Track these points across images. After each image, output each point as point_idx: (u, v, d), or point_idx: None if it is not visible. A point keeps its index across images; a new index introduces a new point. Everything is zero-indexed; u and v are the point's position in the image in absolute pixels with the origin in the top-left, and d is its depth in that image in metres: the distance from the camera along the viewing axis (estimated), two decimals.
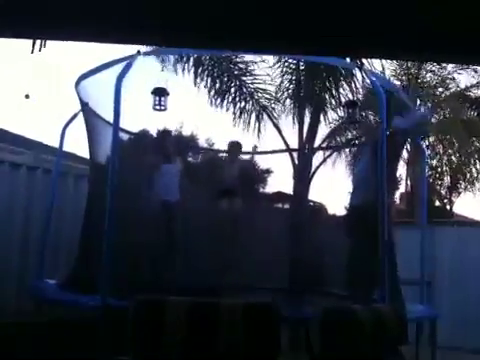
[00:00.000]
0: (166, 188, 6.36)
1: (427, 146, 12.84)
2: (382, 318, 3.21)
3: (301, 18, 1.89)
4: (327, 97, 7.89)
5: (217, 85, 7.98)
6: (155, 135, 8.01)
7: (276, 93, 8.06)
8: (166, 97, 5.91)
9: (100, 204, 4.92)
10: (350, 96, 7.71)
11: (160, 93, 5.91)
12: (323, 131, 8.08)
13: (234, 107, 8.11)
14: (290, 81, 7.93)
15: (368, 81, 6.64)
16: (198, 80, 7.82)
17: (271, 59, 7.72)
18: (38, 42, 2.28)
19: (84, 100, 6.09)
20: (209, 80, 7.89)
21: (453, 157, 13.43)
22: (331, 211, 8.22)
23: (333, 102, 7.90)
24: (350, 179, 7.70)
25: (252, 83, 8.03)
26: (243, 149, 7.60)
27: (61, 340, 4.03)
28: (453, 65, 11.53)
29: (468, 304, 7.59)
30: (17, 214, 6.43)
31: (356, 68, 6.80)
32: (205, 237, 6.84)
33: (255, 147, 7.55)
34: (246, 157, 7.79)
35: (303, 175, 7.62)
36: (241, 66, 7.94)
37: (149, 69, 6.57)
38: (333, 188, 7.88)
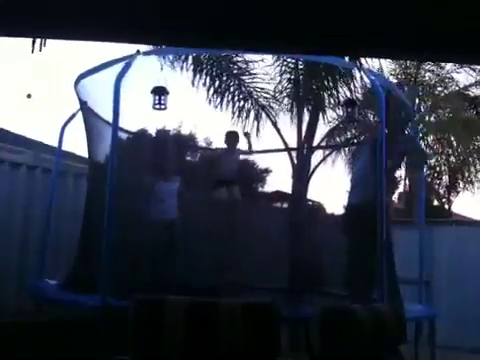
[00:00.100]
0: (163, 207, 6.39)
1: (426, 146, 12.84)
2: (381, 318, 3.21)
3: (301, 18, 1.89)
4: (326, 96, 7.89)
5: (216, 84, 7.98)
6: (154, 136, 8.00)
7: (275, 92, 8.06)
8: (166, 96, 5.91)
9: (99, 203, 4.92)
10: (349, 95, 7.72)
11: (160, 92, 5.90)
12: (322, 130, 8.09)
13: (233, 106, 8.11)
14: (289, 80, 7.93)
15: (367, 80, 6.65)
16: (197, 79, 7.82)
17: (270, 58, 7.73)
18: (38, 41, 2.28)
19: (83, 99, 6.09)
20: (208, 79, 7.89)
21: (452, 157, 13.43)
22: (330, 210, 8.23)
23: (332, 101, 7.90)
24: (349, 178, 7.69)
25: (251, 82, 8.03)
26: (240, 145, 7.57)
27: (61, 340, 4.03)
28: (452, 64, 11.54)
29: (467, 303, 7.60)
30: (17, 213, 6.43)
31: (355, 67, 6.81)
32: (204, 237, 6.84)
33: (247, 134, 7.45)
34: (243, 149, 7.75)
35: (302, 174, 7.63)
36: (240, 65, 7.94)
37: (148, 68, 6.56)
38: (332, 187, 7.88)
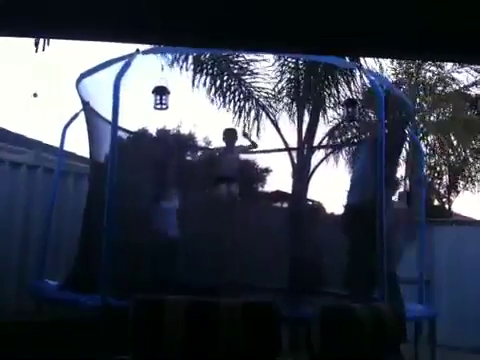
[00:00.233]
0: (165, 226, 6.39)
1: (426, 145, 12.84)
2: (381, 317, 3.21)
3: (301, 18, 1.89)
4: (326, 96, 7.89)
5: (216, 84, 7.98)
6: (154, 135, 7.99)
7: (275, 92, 8.06)
8: (167, 96, 5.90)
9: (100, 204, 4.92)
10: (349, 95, 7.72)
11: (161, 92, 5.89)
12: (322, 130, 8.09)
13: (234, 106, 8.11)
14: (289, 80, 7.93)
15: (367, 80, 6.65)
16: (197, 79, 7.82)
17: (270, 58, 7.73)
18: (41, 42, 2.28)
19: (85, 99, 6.09)
20: (208, 79, 7.89)
21: (452, 156, 13.43)
22: (330, 210, 8.23)
23: (332, 100, 7.91)
24: (349, 178, 7.69)
25: (252, 82, 8.03)
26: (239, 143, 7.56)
27: (61, 340, 4.03)
28: (452, 64, 11.54)
29: (467, 303, 7.60)
30: (17, 213, 6.43)
31: (355, 67, 6.82)
32: (204, 237, 6.83)
33: (246, 135, 7.45)
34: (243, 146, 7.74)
35: (302, 174, 7.63)
36: (240, 65, 7.93)
37: (148, 68, 6.56)
38: (332, 187, 7.88)
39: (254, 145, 7.31)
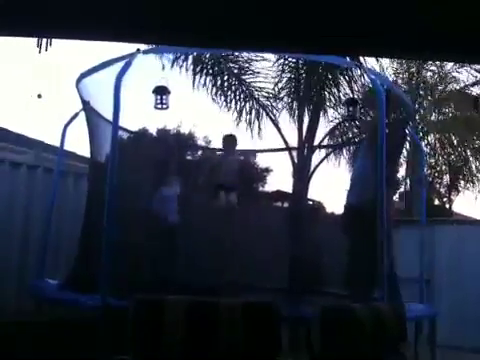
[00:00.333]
0: (165, 211, 6.39)
1: (426, 145, 12.84)
2: (381, 317, 3.21)
3: (301, 17, 1.89)
4: (327, 95, 7.89)
5: (217, 83, 7.98)
6: (155, 135, 7.99)
7: (275, 91, 8.06)
8: (167, 95, 5.90)
9: (100, 203, 4.92)
10: (349, 94, 7.72)
11: (161, 91, 5.89)
12: (323, 129, 8.09)
13: (235, 106, 8.11)
14: (289, 79, 7.93)
15: (367, 79, 6.65)
16: (197, 78, 7.82)
17: (271, 57, 7.73)
18: (43, 42, 2.28)
19: (85, 99, 6.09)
20: (209, 78, 7.89)
21: (452, 156, 13.43)
22: (330, 210, 8.23)
23: (332, 99, 7.90)
24: (349, 177, 7.69)
25: (252, 82, 8.03)
26: (240, 146, 7.55)
27: (61, 340, 4.03)
28: (452, 63, 11.54)
29: (467, 303, 7.59)
30: (18, 213, 6.43)
31: (356, 66, 6.82)
32: (205, 237, 6.83)
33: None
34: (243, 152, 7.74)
35: (302, 174, 7.62)
36: (241, 64, 7.93)
37: (149, 67, 6.56)
38: (332, 186, 7.88)
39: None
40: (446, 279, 7.89)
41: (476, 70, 11.96)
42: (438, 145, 13.32)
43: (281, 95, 8.04)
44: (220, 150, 7.99)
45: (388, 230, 5.13)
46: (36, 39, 2.52)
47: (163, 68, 6.63)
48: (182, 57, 7.62)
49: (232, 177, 7.05)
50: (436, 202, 16.28)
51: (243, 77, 8.00)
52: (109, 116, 5.34)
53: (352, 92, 7.80)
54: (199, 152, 10.60)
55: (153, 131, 9.01)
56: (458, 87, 12.59)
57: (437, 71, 12.42)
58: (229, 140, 7.23)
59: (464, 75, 12.49)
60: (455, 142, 12.97)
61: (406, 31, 1.88)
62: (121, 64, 5.01)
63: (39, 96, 6.92)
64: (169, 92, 5.91)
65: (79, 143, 7.04)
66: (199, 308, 2.82)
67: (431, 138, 13.24)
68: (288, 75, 7.93)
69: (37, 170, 6.67)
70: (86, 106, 6.17)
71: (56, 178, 6.42)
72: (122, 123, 5.41)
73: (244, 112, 8.19)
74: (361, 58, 6.90)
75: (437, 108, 12.81)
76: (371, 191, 5.12)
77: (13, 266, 6.23)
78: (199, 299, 2.91)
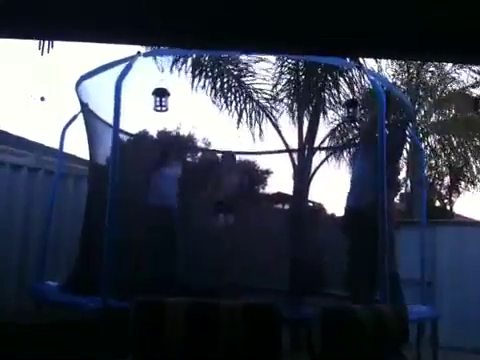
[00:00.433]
0: (164, 193, 6.33)
1: (426, 146, 12.84)
2: (383, 318, 3.21)
3: (301, 18, 1.89)
4: (327, 97, 7.89)
5: (217, 86, 7.98)
6: (156, 137, 7.99)
7: (275, 93, 8.06)
8: (167, 98, 5.90)
9: (100, 205, 4.92)
10: (349, 95, 7.72)
11: (161, 94, 5.90)
12: (323, 131, 8.09)
13: (236, 108, 8.11)
14: (289, 81, 7.93)
15: (367, 80, 6.65)
16: (196, 81, 7.83)
17: (270, 59, 7.73)
18: (45, 44, 2.29)
19: (84, 101, 6.09)
20: (209, 80, 7.90)
21: (453, 157, 13.42)
22: (331, 211, 8.23)
23: (332, 101, 7.90)
24: (349, 179, 7.69)
25: (251, 83, 8.03)
26: (240, 147, 7.55)
27: (61, 342, 4.03)
28: (452, 64, 11.54)
29: (469, 304, 7.58)
30: (18, 216, 6.43)
31: (355, 68, 6.82)
32: (205, 238, 6.83)
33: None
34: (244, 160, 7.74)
35: (303, 175, 7.62)
36: (241, 66, 7.94)
37: (149, 70, 6.57)
38: (333, 188, 7.88)
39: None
40: (447, 280, 7.88)
41: (475, 71, 11.96)
42: (438, 146, 13.31)
43: (281, 97, 8.04)
44: (219, 152, 7.99)
45: (390, 231, 5.12)
46: (38, 41, 2.52)
47: (162, 70, 6.65)
48: (182, 59, 7.63)
49: (233, 190, 7.03)
50: (437, 203, 16.28)
51: (243, 79, 8.01)
52: (108, 119, 5.35)
53: (353, 93, 7.80)
54: (199, 154, 10.59)
55: (153, 133, 8.98)
56: (458, 88, 12.59)
57: (437, 72, 12.42)
58: (228, 157, 7.21)
59: (464, 76, 12.51)
60: (455, 143, 12.96)
61: (406, 31, 1.88)
62: (121, 67, 5.01)
63: (42, 99, 6.93)
64: (168, 94, 5.91)
65: (79, 145, 7.05)
66: (200, 310, 2.82)
67: (431, 139, 13.23)
68: (287, 77, 7.93)
69: (37, 172, 6.68)
70: (85, 108, 6.17)
71: (55, 180, 6.42)
72: (121, 125, 5.41)
73: (244, 114, 8.19)
74: (360, 59, 6.90)
75: (437, 109, 12.80)
76: (372, 192, 5.11)
77: (13, 268, 6.23)
78: (200, 301, 2.91)
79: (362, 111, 7.72)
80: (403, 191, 14.94)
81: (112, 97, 4.78)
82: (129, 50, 5.27)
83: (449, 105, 12.58)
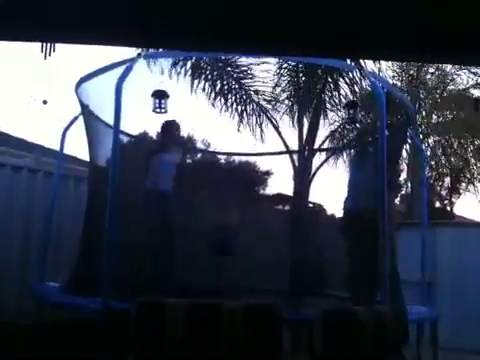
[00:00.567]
0: (162, 178, 6.24)
1: (426, 147, 12.84)
2: (383, 319, 3.21)
3: (300, 20, 1.90)
4: (327, 98, 7.89)
5: (217, 88, 7.98)
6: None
7: (276, 95, 8.06)
8: (166, 99, 5.91)
9: (100, 207, 4.92)
10: (349, 97, 7.72)
11: (160, 95, 5.91)
12: (323, 132, 8.09)
13: (236, 110, 8.11)
14: (289, 82, 7.93)
15: (367, 81, 6.65)
16: (197, 83, 7.83)
17: (270, 61, 7.72)
18: (44, 46, 2.29)
19: (84, 103, 6.09)
20: (209, 83, 7.90)
21: (453, 158, 13.42)
22: (332, 212, 8.23)
23: (333, 102, 7.90)
24: (349, 180, 7.70)
25: (252, 85, 8.03)
26: (240, 149, 7.48)
27: (62, 342, 4.03)
28: (452, 65, 11.55)
29: (469, 305, 7.58)
30: (18, 217, 6.44)
31: (356, 69, 6.82)
32: (206, 239, 6.83)
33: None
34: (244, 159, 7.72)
35: (303, 176, 7.62)
36: (241, 68, 7.93)
37: (149, 72, 6.57)
38: (334, 189, 7.88)
39: None
40: (448, 281, 7.88)
41: (474, 72, 11.98)
42: (438, 147, 13.32)
43: (281, 98, 8.04)
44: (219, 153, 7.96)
45: (390, 232, 5.13)
46: (40, 44, 2.52)
47: (162, 73, 6.65)
48: (182, 61, 7.63)
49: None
50: (437, 204, 16.28)
51: (243, 81, 8.01)
52: (109, 120, 5.35)
53: (354, 94, 7.80)
54: (200, 157, 10.58)
55: (154, 135, 8.99)
56: (458, 89, 12.60)
57: (437, 73, 12.43)
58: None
59: (464, 77, 12.52)
60: (455, 144, 12.97)
61: (406, 32, 1.88)
62: (121, 69, 5.02)
63: (44, 102, 6.92)
64: (168, 96, 5.92)
65: (79, 147, 7.05)
66: (200, 310, 2.82)
67: (431, 140, 13.24)
68: (288, 78, 7.93)
69: (37, 174, 6.68)
70: (85, 110, 6.18)
71: (56, 182, 6.42)
72: (122, 127, 5.42)
73: (245, 115, 8.19)
74: (361, 61, 6.90)
75: (437, 110, 12.81)
76: (372, 193, 5.12)
77: (14, 269, 6.23)
78: (200, 301, 2.91)
79: (362, 112, 7.72)
80: (403, 192, 14.97)
81: (112, 98, 4.79)
82: (129, 52, 5.28)
83: (449, 106, 12.58)
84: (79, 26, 1.95)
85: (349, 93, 7.82)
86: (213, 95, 8.01)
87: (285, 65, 7.79)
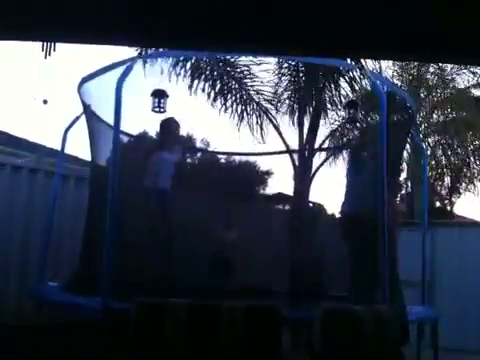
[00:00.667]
0: (161, 177, 6.21)
1: (427, 146, 12.83)
2: (383, 319, 3.21)
3: (300, 19, 1.90)
4: (327, 98, 7.89)
5: (217, 88, 7.98)
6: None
7: (276, 94, 8.06)
8: (165, 99, 5.91)
9: (101, 207, 4.92)
10: (350, 96, 7.72)
11: (159, 95, 5.91)
12: (323, 132, 8.08)
13: (236, 110, 8.11)
14: (290, 82, 7.93)
15: (368, 81, 6.65)
16: (197, 83, 7.82)
17: (270, 60, 7.72)
18: (45, 46, 2.29)
19: (86, 103, 6.10)
20: (209, 83, 7.89)
21: (453, 157, 13.42)
22: (332, 212, 8.22)
23: (334, 100, 7.90)
24: (349, 180, 7.69)
25: (252, 85, 8.03)
26: (241, 149, 7.47)
27: (62, 342, 4.03)
28: (452, 65, 11.56)
29: (469, 305, 7.59)
30: (19, 217, 6.44)
31: (357, 69, 6.82)
32: (206, 239, 6.83)
33: None
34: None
35: (303, 176, 7.62)
36: (241, 68, 7.93)
37: (149, 71, 6.57)
38: (334, 189, 7.87)
39: None
40: (448, 281, 7.88)
41: (474, 72, 11.98)
42: (438, 147, 13.31)
43: (282, 97, 8.04)
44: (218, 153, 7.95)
45: (391, 232, 5.12)
46: (41, 43, 2.53)
47: (161, 72, 6.64)
48: (182, 61, 7.63)
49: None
50: (437, 204, 16.27)
51: (243, 81, 8.00)
52: (110, 120, 5.35)
53: (355, 93, 7.80)
54: (200, 157, 10.58)
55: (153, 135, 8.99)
56: (458, 88, 12.59)
57: (437, 73, 12.43)
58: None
59: (464, 77, 12.52)
60: (456, 144, 12.97)
61: (406, 32, 1.88)
62: (121, 69, 5.02)
63: (45, 102, 6.91)
64: (167, 96, 5.92)
65: (80, 147, 7.05)
66: (201, 311, 2.82)
67: (431, 140, 13.24)
68: (288, 78, 7.93)
69: (38, 174, 6.68)
70: (87, 110, 6.18)
71: (57, 182, 6.42)
72: (122, 126, 5.42)
73: (245, 115, 8.18)
74: (362, 60, 6.90)
75: (437, 110, 12.81)
76: (373, 194, 5.11)
77: (15, 269, 6.24)
78: (201, 302, 2.91)
79: (363, 112, 7.71)
80: (404, 192, 14.97)
81: (113, 98, 4.79)
82: (129, 52, 5.28)
83: (449, 106, 12.58)
84: (79, 26, 1.95)
85: (349, 92, 7.82)
86: (213, 95, 8.01)
87: (285, 65, 7.79)
